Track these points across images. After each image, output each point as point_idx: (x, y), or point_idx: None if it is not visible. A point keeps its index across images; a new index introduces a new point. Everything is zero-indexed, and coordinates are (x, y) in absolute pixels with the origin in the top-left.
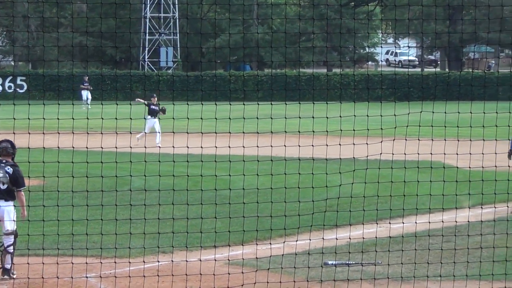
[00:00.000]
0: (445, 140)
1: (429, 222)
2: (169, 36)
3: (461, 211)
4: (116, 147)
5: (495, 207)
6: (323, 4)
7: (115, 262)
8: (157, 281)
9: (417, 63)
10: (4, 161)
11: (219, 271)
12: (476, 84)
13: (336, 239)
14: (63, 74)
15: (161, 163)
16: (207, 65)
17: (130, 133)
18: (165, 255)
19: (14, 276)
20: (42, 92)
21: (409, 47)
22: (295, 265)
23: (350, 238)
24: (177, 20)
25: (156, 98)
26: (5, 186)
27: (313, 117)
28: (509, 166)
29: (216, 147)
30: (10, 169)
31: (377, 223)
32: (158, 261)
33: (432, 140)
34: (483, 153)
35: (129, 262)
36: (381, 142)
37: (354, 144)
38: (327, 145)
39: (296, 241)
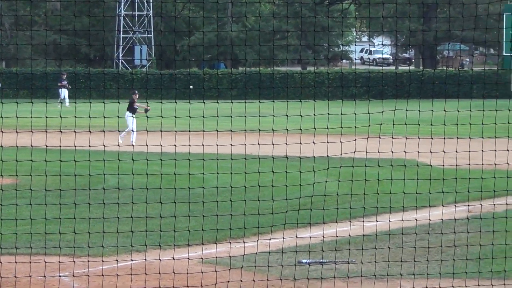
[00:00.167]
0: (418, 138)
1: (403, 220)
2: (143, 34)
3: (435, 209)
4: (89, 146)
5: (468, 205)
6: (298, 2)
7: (88, 261)
8: (130, 280)
9: (392, 61)
10: None
11: (193, 269)
12: (450, 82)
13: (310, 237)
14: (37, 72)
15: (134, 161)
16: (182, 63)
17: (104, 131)
18: (138, 253)
19: None
20: (15, 91)
21: (383, 45)
22: (269, 263)
23: (323, 237)
24: (152, 18)
25: (138, 95)
26: None
27: (287, 115)
28: (482, 164)
29: (190, 145)
30: None
31: (350, 221)
32: (132, 260)
33: (406, 138)
34: (456, 151)
35: (102, 261)
36: (355, 140)
37: (328, 142)
38: (300, 143)
39: (270, 239)
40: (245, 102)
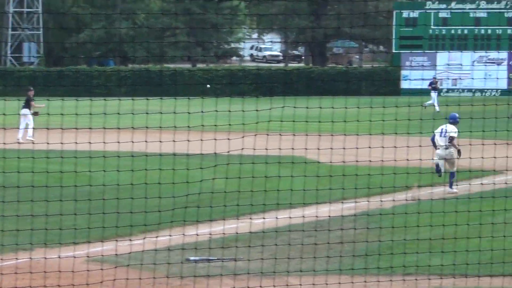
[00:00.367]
0: (307, 135)
1: (290, 217)
2: (32, 31)
3: (322, 206)
4: None
5: (355, 202)
6: None
7: None
8: (15, 279)
9: (282, 58)
10: None
11: (79, 268)
12: (339, 79)
13: (197, 235)
14: None
15: (20, 159)
16: (70, 61)
17: None
18: (24, 252)
19: None
20: None
21: (272, 42)
22: (156, 261)
23: (211, 234)
24: (41, 15)
25: (33, 91)
26: None
27: (175, 113)
28: (370, 161)
29: (76, 143)
30: None
31: (238, 219)
32: (17, 259)
33: (294, 135)
34: (344, 148)
35: None
36: (243, 137)
37: (215, 139)
38: (188, 140)
39: (157, 237)
40: (133, 100)
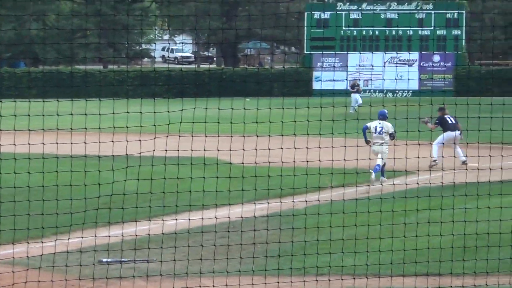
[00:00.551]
0: (218, 136)
1: (203, 219)
2: None
3: (235, 207)
4: None
5: (268, 203)
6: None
7: None
8: None
9: (193, 59)
10: None
11: None
12: (251, 80)
13: (109, 236)
14: None
15: None
16: None
17: None
18: None
19: None
20: None
21: (183, 43)
22: (68, 263)
23: (123, 236)
24: None
25: None
26: None
27: (85, 114)
28: (282, 162)
29: None
30: None
31: (150, 220)
32: None
33: (206, 136)
34: (256, 149)
35: None
36: (155, 138)
37: (127, 141)
38: (99, 142)
39: (69, 239)
40: (44, 101)
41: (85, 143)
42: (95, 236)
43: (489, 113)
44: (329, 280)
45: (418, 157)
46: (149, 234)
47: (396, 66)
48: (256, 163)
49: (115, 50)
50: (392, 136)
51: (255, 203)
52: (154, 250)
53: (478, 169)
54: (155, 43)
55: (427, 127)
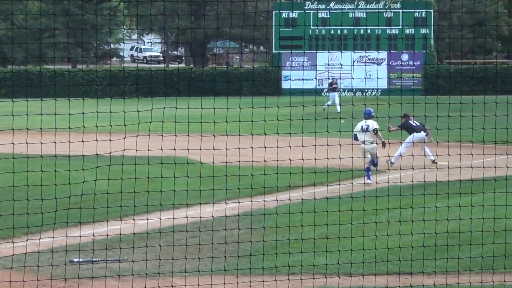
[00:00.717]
0: (188, 135)
1: (174, 218)
2: None
3: (206, 206)
4: None
5: (239, 202)
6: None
7: None
8: None
9: (162, 59)
10: None
11: None
12: (220, 79)
13: (80, 236)
14: None
15: None
16: None
17: None
18: None
19: None
20: None
21: (151, 42)
22: (39, 263)
23: (94, 236)
24: None
25: None
26: None
27: (55, 114)
28: (252, 161)
29: None
30: None
31: (121, 220)
32: None
33: (176, 135)
34: (226, 148)
35: None
36: (125, 138)
37: (97, 140)
38: (69, 142)
39: (40, 239)
40: (13, 101)
41: (55, 142)
42: (66, 236)
43: (458, 112)
44: (301, 279)
45: (389, 156)
46: (120, 234)
47: (365, 65)
48: (226, 162)
49: (83, 49)
50: (375, 130)
51: (226, 203)
52: (126, 249)
53: (448, 167)
54: (123, 43)
55: (391, 130)
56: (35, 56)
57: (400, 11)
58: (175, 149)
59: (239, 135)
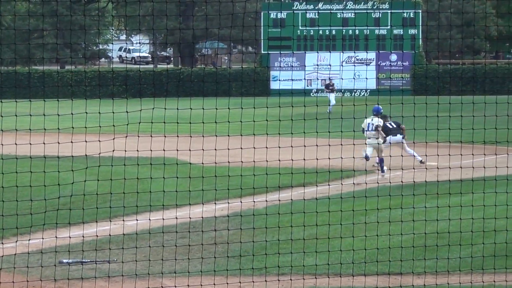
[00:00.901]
0: (177, 136)
1: (163, 219)
2: None
3: (195, 207)
4: None
5: (228, 202)
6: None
7: None
8: None
9: (151, 59)
10: None
11: None
12: (208, 80)
13: (70, 237)
14: None
15: None
16: None
17: None
18: None
19: None
20: None
21: (140, 43)
22: (29, 264)
23: (83, 236)
24: None
25: None
26: None
27: (44, 115)
28: (242, 161)
29: None
30: None
31: (111, 221)
32: None
33: (165, 136)
34: (215, 149)
35: None
36: (114, 139)
37: (86, 141)
38: (59, 142)
39: (29, 240)
40: (2, 102)
41: (44, 143)
42: (56, 237)
43: (447, 112)
44: (291, 279)
45: (377, 157)
46: (109, 235)
47: (354, 66)
48: (215, 163)
49: (72, 50)
50: (376, 127)
51: (215, 203)
52: (115, 250)
53: (437, 168)
54: (112, 43)
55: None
56: (24, 57)
57: (389, 11)
58: (164, 150)
59: (228, 135)
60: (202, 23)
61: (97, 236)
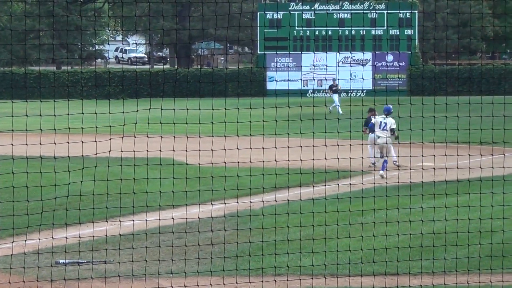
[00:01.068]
0: (174, 137)
1: (160, 219)
2: None
3: (192, 207)
4: None
5: (225, 203)
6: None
7: None
8: None
9: (147, 60)
10: None
11: None
12: (205, 80)
13: (66, 238)
14: None
15: None
16: None
17: None
18: None
19: None
20: None
21: (136, 44)
22: (25, 265)
23: (80, 237)
24: None
25: None
26: None
27: (40, 115)
28: (238, 162)
29: None
30: None
31: (107, 221)
32: None
33: (162, 137)
34: (212, 150)
35: None
36: (110, 139)
37: (82, 142)
38: (55, 143)
39: (26, 240)
40: None
41: (40, 144)
42: (52, 237)
43: (443, 113)
44: (287, 280)
45: (374, 157)
46: (106, 235)
47: (350, 66)
48: (212, 163)
49: (68, 51)
50: (392, 131)
51: (212, 204)
52: (112, 251)
53: (434, 168)
54: (108, 44)
55: (365, 132)
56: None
57: (385, 12)
58: (160, 150)
59: (225, 136)
60: (199, 23)
61: (93, 236)
